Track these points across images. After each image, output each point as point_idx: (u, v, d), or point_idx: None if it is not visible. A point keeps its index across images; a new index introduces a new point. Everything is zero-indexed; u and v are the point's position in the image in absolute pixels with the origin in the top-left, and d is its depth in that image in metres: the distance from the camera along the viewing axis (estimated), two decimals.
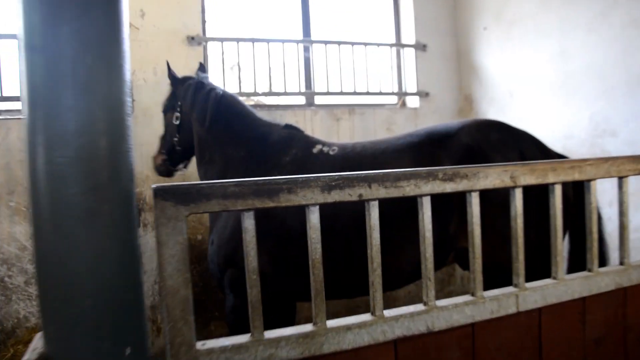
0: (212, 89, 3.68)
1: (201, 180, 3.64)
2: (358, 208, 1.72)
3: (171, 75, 3.99)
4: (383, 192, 1.46)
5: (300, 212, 1.76)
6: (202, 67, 4.07)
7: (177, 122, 3.77)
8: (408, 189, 1.49)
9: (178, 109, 3.78)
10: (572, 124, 4.98)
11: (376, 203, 1.49)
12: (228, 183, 1.27)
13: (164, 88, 4.94)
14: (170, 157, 3.93)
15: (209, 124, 3.51)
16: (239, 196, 1.26)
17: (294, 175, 1.40)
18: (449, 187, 1.59)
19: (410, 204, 1.87)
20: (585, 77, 4.84)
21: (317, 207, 1.39)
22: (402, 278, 3.02)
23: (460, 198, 2.49)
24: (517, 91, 5.63)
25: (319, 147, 3.28)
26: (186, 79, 3.90)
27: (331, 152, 3.20)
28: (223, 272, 3.15)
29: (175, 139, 3.81)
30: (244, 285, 1.93)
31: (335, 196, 1.38)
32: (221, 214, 3.18)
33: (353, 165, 3.01)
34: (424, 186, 1.54)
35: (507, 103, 5.78)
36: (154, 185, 1.26)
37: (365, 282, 1.74)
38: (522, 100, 5.57)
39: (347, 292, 3.13)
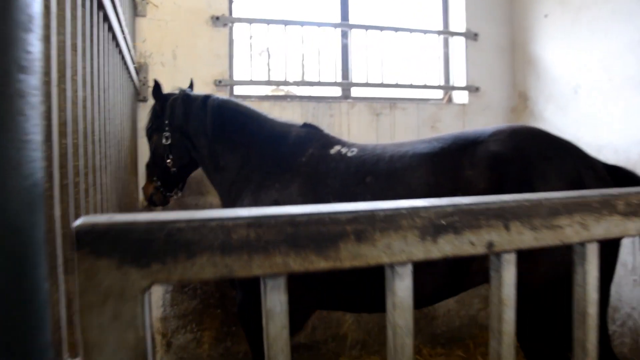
0: (207, 96, 3.55)
1: (218, 188, 3.53)
2: None
3: (158, 91, 3.66)
4: (529, 238, 0.83)
5: None
6: (191, 85, 3.93)
7: (168, 142, 3.55)
8: (569, 230, 0.85)
9: (167, 128, 3.56)
10: None
11: (514, 257, 0.85)
12: (233, 219, 0.64)
13: (184, 73, 4.39)
14: (165, 182, 3.72)
15: (212, 132, 3.40)
16: (255, 247, 0.64)
17: (365, 203, 0.77)
18: (633, 228, 0.94)
19: None
20: None
21: (410, 267, 0.78)
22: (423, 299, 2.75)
23: None
24: (583, 87, 4.92)
25: (337, 147, 3.12)
26: (169, 95, 3.67)
27: (349, 154, 3.01)
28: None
29: (169, 160, 3.59)
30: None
31: (446, 247, 0.74)
32: (234, 200, 3.20)
33: (366, 168, 2.83)
34: (595, 226, 0.89)
35: (570, 100, 5.07)
36: (76, 222, 0.65)
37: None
38: (589, 98, 4.85)
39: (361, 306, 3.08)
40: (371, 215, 0.70)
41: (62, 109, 1.31)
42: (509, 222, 0.80)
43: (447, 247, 0.74)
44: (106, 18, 2.00)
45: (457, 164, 2.61)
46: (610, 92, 4.63)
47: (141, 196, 4.08)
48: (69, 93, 1.36)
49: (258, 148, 3.28)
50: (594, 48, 4.79)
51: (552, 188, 2.40)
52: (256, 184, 3.12)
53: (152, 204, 3.82)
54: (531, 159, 2.50)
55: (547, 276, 2.40)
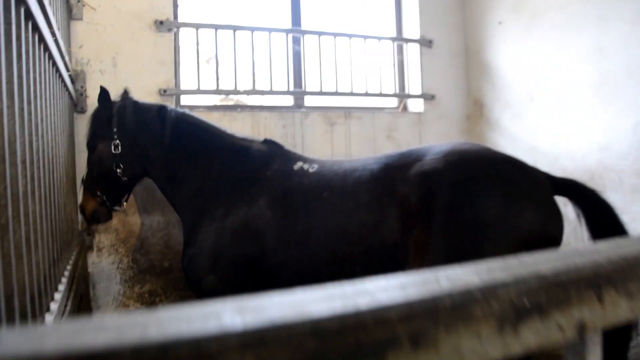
0: (162, 106, 3.50)
1: (173, 202, 3.52)
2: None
3: (106, 97, 3.45)
4: (624, 310, 0.60)
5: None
6: (126, 93, 3.60)
7: (118, 151, 3.39)
8: None
9: (115, 137, 3.40)
10: (610, 133, 4.22)
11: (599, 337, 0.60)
12: (217, 337, 0.35)
13: (126, 82, 4.04)
14: (111, 194, 3.51)
15: (169, 143, 3.37)
16: None
17: (420, 282, 0.47)
18: None
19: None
20: (628, 78, 4.09)
21: None
22: None
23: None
24: (539, 94, 4.86)
25: (299, 163, 3.22)
26: (114, 103, 3.50)
27: (310, 170, 3.13)
28: (201, 280, 3.13)
29: (119, 170, 3.41)
30: (222, 291, 2.97)
31: (530, 337, 0.48)
32: (200, 226, 3.20)
33: (324, 184, 2.96)
34: None
35: (526, 108, 5.00)
36: None
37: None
38: (545, 105, 4.79)
39: None
40: (433, 306, 0.45)
41: None
42: (603, 292, 0.57)
43: (530, 337, 0.50)
44: (29, 15, 1.69)
45: (391, 183, 2.75)
46: (566, 100, 4.58)
47: (81, 217, 3.71)
48: None
49: (220, 161, 3.32)
50: (549, 55, 4.74)
51: (477, 210, 2.50)
52: (224, 196, 3.18)
53: (94, 222, 3.57)
54: (460, 179, 2.58)
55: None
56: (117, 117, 3.41)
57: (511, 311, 0.49)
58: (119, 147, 3.37)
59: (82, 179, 3.53)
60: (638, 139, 4.03)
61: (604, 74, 4.25)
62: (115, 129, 3.38)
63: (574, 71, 4.49)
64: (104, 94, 3.41)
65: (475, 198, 2.52)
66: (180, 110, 3.54)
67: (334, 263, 2.81)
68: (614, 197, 4.03)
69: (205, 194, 3.27)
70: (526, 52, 4.99)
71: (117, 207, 3.57)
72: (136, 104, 3.49)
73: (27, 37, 1.68)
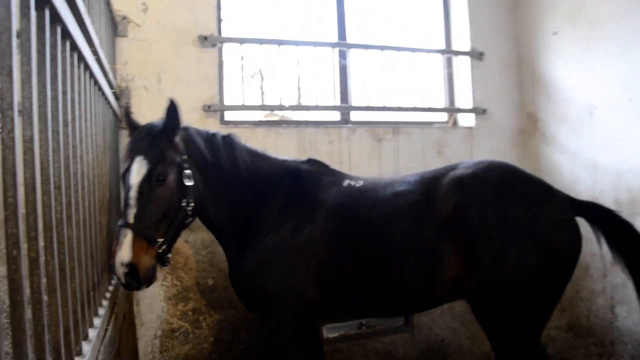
0: (213, 133, 3.23)
1: (223, 241, 3.36)
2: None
3: (175, 116, 2.86)
4: None
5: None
6: (173, 105, 2.88)
7: (191, 183, 2.85)
8: None
9: (186, 165, 2.86)
10: None
11: None
12: None
13: (169, 96, 3.99)
14: (173, 238, 2.82)
15: (243, 173, 3.20)
16: None
17: None
18: None
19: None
20: None
21: None
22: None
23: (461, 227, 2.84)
24: (600, 108, 4.59)
25: (347, 181, 3.31)
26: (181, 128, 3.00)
27: (357, 185, 3.26)
28: (273, 307, 3.11)
29: (190, 206, 2.84)
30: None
31: None
32: (262, 230, 3.15)
33: (361, 201, 3.12)
34: None
35: (585, 122, 4.73)
36: None
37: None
38: (607, 119, 4.52)
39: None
40: None
41: (5, 157, 0.93)
42: None
43: None
44: (67, 34, 1.61)
45: (427, 199, 3.00)
46: (631, 113, 4.30)
47: (121, 269, 2.56)
48: (17, 132, 0.99)
49: (273, 184, 3.25)
50: (610, 66, 4.47)
51: (494, 227, 2.80)
52: (294, 218, 3.14)
53: (147, 284, 2.68)
54: (485, 192, 2.87)
55: (516, 265, 2.73)
56: (185, 143, 2.95)
57: None
58: (192, 179, 2.86)
59: (125, 222, 2.61)
60: None
61: None
62: (184, 157, 2.88)
63: (638, 82, 4.22)
64: (173, 109, 2.84)
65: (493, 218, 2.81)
66: (230, 135, 3.26)
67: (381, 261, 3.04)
68: None
69: (275, 218, 3.14)
70: (584, 64, 4.73)
71: (167, 260, 2.75)
72: (192, 128, 3.12)
73: (64, 57, 1.61)
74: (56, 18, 1.44)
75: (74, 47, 1.77)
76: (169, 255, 2.75)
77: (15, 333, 1.06)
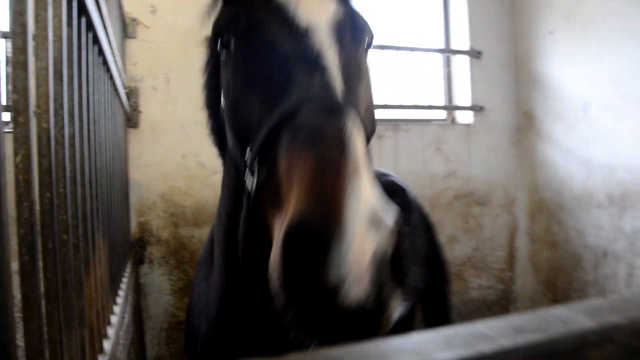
0: None
1: None
2: None
3: None
4: None
5: None
6: None
7: None
8: None
9: None
10: None
11: None
12: None
13: (177, 98, 4.13)
14: None
15: None
16: None
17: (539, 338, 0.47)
18: None
19: None
20: None
21: None
22: None
23: None
24: (593, 105, 4.73)
25: None
26: None
27: None
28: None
29: None
30: None
31: None
32: None
33: None
34: None
35: (579, 119, 4.87)
36: None
37: None
38: (600, 116, 4.66)
39: None
40: (551, 350, 0.45)
41: (43, 154, 1.06)
42: None
43: None
44: (96, 40, 1.75)
45: None
46: (622, 110, 4.44)
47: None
48: (52, 132, 1.11)
49: None
50: (604, 64, 4.61)
51: None
52: None
53: None
54: None
55: None
56: None
57: (626, 354, 0.48)
58: None
59: None
60: None
61: None
62: None
63: (630, 80, 4.36)
64: None
65: None
66: None
67: None
68: None
69: None
70: (579, 62, 4.87)
71: None
72: None
73: (93, 61, 1.74)
74: (90, 25, 1.57)
75: (100, 51, 1.90)
76: None
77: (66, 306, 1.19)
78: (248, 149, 1.35)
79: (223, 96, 1.62)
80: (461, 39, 5.42)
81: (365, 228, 0.96)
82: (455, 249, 5.12)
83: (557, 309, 0.54)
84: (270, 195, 1.24)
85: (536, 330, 0.47)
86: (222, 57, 1.59)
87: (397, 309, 1.03)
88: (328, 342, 0.99)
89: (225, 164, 1.88)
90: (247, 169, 1.36)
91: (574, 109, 4.94)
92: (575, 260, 4.82)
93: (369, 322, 0.97)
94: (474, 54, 5.32)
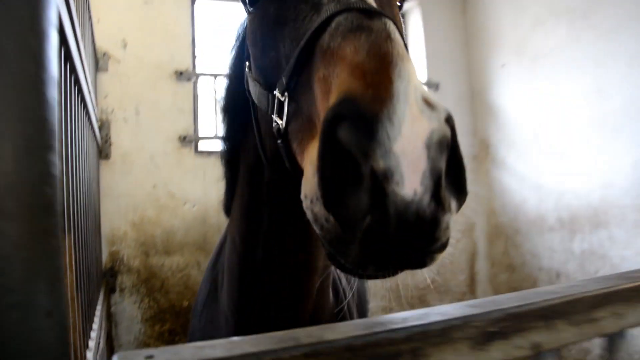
0: None
1: None
2: None
3: None
4: (571, 333, 0.78)
5: None
6: None
7: None
8: (605, 322, 0.83)
9: None
10: (612, 170, 4.37)
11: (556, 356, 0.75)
12: (289, 349, 0.57)
13: (147, 129, 4.27)
14: None
15: None
16: None
17: (417, 317, 0.70)
18: None
19: None
20: (627, 117, 4.26)
21: None
22: None
23: None
24: (543, 134, 5.05)
25: None
26: None
27: None
28: None
29: None
30: None
31: (496, 353, 0.70)
32: None
33: None
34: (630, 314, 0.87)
35: (531, 147, 5.18)
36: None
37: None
38: (549, 145, 4.97)
39: None
40: (425, 332, 0.67)
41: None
42: (552, 321, 0.77)
43: (496, 353, 0.71)
44: (77, 80, 1.89)
45: None
46: (569, 139, 4.75)
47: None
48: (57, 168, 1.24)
49: None
50: (551, 96, 4.94)
51: None
52: None
53: None
54: None
55: None
56: None
57: (482, 335, 0.68)
58: None
59: None
60: (639, 176, 4.17)
61: (604, 114, 4.43)
62: None
63: (576, 111, 4.68)
64: None
65: None
66: None
67: None
68: (618, 233, 4.17)
69: None
70: (529, 93, 5.19)
71: None
72: None
73: (72, 95, 1.88)
74: (73, 68, 1.72)
75: (80, 89, 2.05)
76: None
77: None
78: (276, 91, 1.21)
79: (251, 50, 1.47)
80: (419, 72, 5.70)
81: (419, 107, 0.84)
82: (418, 274, 5.28)
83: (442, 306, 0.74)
84: (303, 125, 1.11)
85: (418, 319, 0.67)
86: (250, 14, 1.45)
87: (455, 221, 0.94)
88: (378, 262, 0.91)
89: (241, 175, 1.77)
90: (274, 113, 1.22)
91: (525, 137, 5.25)
92: (531, 282, 5.06)
93: (427, 224, 0.85)
94: (433, 86, 5.61)
